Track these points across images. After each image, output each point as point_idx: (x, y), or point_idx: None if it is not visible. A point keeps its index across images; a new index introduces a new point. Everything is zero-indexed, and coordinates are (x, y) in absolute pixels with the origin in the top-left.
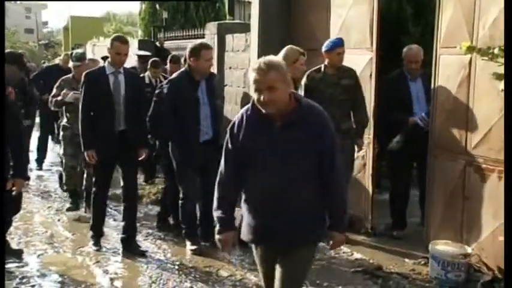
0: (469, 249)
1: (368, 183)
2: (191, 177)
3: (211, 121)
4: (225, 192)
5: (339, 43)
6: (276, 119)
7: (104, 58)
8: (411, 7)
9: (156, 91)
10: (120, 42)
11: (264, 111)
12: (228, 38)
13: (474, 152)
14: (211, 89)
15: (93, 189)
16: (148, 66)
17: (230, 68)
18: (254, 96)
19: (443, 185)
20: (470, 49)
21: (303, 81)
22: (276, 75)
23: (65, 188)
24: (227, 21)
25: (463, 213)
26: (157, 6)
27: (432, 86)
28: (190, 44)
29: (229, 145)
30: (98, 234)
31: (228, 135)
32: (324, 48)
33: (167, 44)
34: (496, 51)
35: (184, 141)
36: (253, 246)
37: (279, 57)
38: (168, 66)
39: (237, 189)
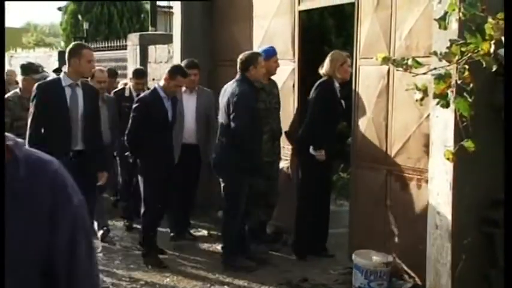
0: (390, 258)
1: (292, 194)
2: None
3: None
4: None
5: (274, 52)
6: None
7: (57, 70)
8: (333, 19)
9: (134, 105)
10: (89, 49)
11: None
12: (151, 49)
13: (394, 161)
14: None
15: None
16: (130, 76)
17: (153, 79)
18: None
19: (366, 194)
20: (386, 60)
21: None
22: None
23: None
24: (150, 32)
25: (386, 221)
26: (79, 16)
27: (353, 96)
28: (112, 55)
29: None
30: None
31: None
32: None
33: None
34: (409, 62)
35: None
36: None
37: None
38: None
39: None
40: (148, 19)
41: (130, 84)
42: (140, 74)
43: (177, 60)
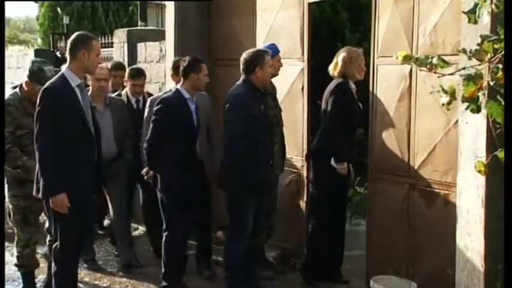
0: (414, 285)
1: (303, 212)
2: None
3: None
4: None
5: (277, 50)
6: None
7: (16, 87)
8: (347, 12)
9: (156, 107)
10: (97, 41)
11: None
12: (140, 46)
13: (418, 173)
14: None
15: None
16: (126, 78)
17: None
18: None
19: (385, 211)
20: (407, 58)
21: None
22: None
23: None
24: (139, 27)
25: (408, 243)
26: (58, 10)
27: (370, 100)
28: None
29: None
30: None
31: None
32: None
33: None
34: (434, 60)
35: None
36: None
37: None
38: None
39: None
40: (137, 13)
41: (126, 88)
42: (138, 74)
43: (170, 59)
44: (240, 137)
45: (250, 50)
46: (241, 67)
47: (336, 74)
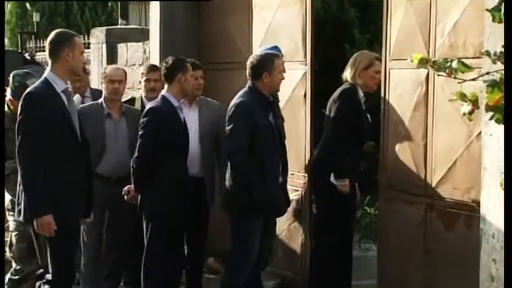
0: None
1: (304, 236)
2: None
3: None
4: None
5: (279, 53)
6: None
7: None
8: (356, 9)
9: (143, 118)
10: (79, 37)
11: None
12: (121, 48)
13: (436, 192)
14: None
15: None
16: (142, 79)
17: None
18: None
19: (399, 235)
20: (424, 62)
21: None
22: None
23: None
24: (120, 26)
25: (425, 271)
26: (27, 6)
27: (381, 108)
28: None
29: None
30: None
31: None
32: None
33: (40, 56)
34: (454, 64)
35: None
36: None
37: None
38: None
39: None
40: (117, 10)
41: (140, 90)
42: (153, 68)
43: (155, 62)
44: (245, 150)
45: (259, 53)
46: (247, 72)
47: (345, 78)
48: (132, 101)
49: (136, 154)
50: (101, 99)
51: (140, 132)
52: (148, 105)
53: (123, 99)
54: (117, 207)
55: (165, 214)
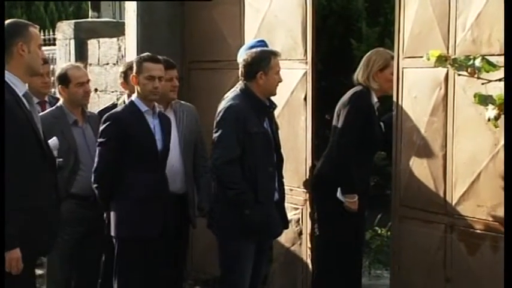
0: None
1: (305, 261)
2: None
3: None
4: None
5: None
6: None
7: None
8: (364, 0)
9: (102, 126)
10: (35, 27)
11: None
12: (92, 44)
13: (456, 210)
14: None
15: None
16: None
17: (96, 90)
18: None
19: (415, 259)
20: (442, 60)
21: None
22: None
23: None
24: (90, 19)
25: None
26: None
27: (394, 113)
28: None
29: None
30: None
31: None
32: None
33: None
34: (477, 62)
35: None
36: None
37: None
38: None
39: None
40: (87, 1)
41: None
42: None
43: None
44: (234, 161)
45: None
46: (239, 71)
47: (356, 80)
48: (112, 108)
49: (94, 166)
50: (60, 104)
51: (98, 142)
52: (109, 112)
53: (102, 107)
54: (98, 231)
55: (133, 240)
